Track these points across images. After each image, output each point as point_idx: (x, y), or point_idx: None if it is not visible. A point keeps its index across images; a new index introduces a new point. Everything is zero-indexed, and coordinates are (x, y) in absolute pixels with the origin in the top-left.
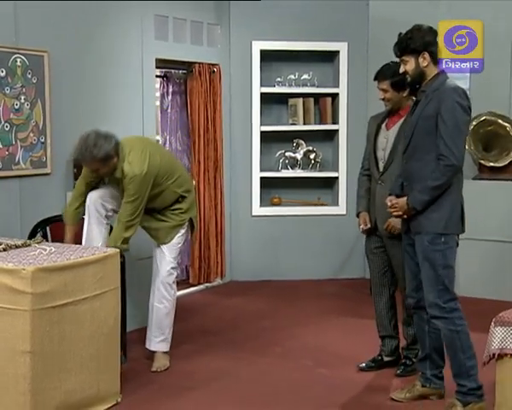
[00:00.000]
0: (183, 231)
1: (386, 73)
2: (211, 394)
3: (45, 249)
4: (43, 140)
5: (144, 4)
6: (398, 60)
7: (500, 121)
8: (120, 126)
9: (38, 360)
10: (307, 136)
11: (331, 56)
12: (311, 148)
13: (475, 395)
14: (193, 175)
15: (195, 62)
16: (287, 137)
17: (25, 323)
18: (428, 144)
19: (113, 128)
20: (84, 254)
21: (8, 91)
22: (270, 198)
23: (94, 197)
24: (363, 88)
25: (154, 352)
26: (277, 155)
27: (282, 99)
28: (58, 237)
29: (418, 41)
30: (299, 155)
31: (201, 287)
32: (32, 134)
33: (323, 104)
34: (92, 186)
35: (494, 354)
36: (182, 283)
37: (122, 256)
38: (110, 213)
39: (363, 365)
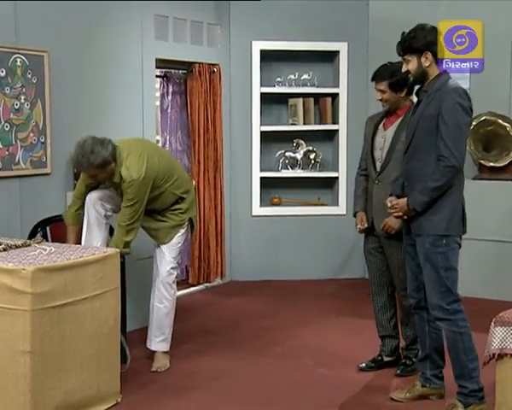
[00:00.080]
0: (182, 230)
1: (384, 74)
2: (211, 394)
3: (45, 249)
4: (43, 140)
5: (144, 4)
6: (395, 60)
7: (500, 121)
8: (120, 126)
9: (38, 360)
10: (307, 136)
11: (331, 56)
12: (311, 148)
13: (476, 397)
14: (193, 175)
15: (195, 62)
16: (287, 137)
17: (25, 323)
18: (429, 145)
19: (113, 128)
20: (84, 254)
21: (8, 91)
22: (270, 198)
23: (93, 198)
24: (363, 88)
25: (154, 352)
26: (277, 155)
27: (282, 99)
28: (58, 237)
29: (421, 40)
30: (299, 155)
31: (201, 287)
32: (32, 134)
33: (323, 104)
34: (92, 187)
35: (494, 354)
36: (181, 283)
37: (122, 256)
38: (109, 213)
39: (363, 365)
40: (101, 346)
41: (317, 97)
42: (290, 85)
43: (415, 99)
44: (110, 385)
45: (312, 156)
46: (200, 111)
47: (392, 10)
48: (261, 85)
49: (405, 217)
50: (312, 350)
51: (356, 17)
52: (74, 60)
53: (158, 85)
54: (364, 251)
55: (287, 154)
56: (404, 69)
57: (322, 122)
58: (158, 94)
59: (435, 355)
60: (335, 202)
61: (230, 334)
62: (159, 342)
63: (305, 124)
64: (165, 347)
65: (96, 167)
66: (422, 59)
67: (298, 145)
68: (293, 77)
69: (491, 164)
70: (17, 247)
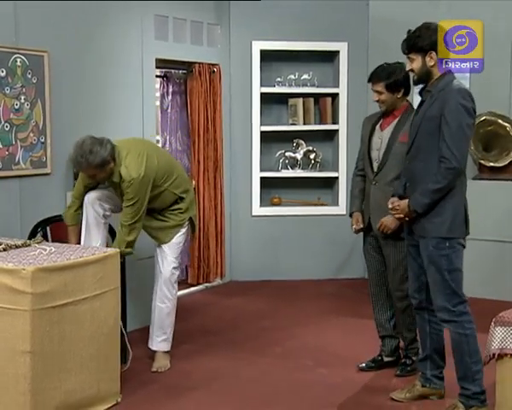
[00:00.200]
0: (183, 230)
1: (381, 75)
2: (211, 394)
3: (45, 249)
4: (43, 140)
5: (144, 4)
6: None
7: (500, 121)
8: (120, 126)
9: (38, 360)
10: (307, 136)
11: (331, 56)
12: (311, 148)
13: (478, 400)
14: (193, 175)
15: (195, 62)
16: (287, 137)
17: (25, 323)
18: (432, 145)
19: (113, 128)
20: (84, 254)
21: (8, 91)
22: (270, 198)
23: (91, 198)
24: (363, 88)
25: (154, 351)
26: (277, 155)
27: (282, 99)
28: (58, 237)
29: (426, 40)
30: (299, 155)
31: (201, 287)
32: (32, 134)
33: (323, 104)
34: (90, 188)
35: (494, 354)
36: (181, 283)
37: (122, 256)
38: (108, 213)
39: (363, 365)
40: (101, 346)
41: (317, 97)
42: (290, 85)
43: (415, 99)
44: (110, 385)
45: (312, 156)
46: (200, 111)
47: (392, 10)
48: (261, 85)
49: (407, 218)
50: (312, 350)
51: (356, 17)
52: (74, 60)
53: (158, 85)
54: (363, 251)
55: (287, 154)
56: (408, 68)
57: (322, 122)
58: (158, 94)
59: (436, 356)
60: (335, 202)
61: (230, 334)
62: (160, 341)
63: (305, 124)
64: (166, 346)
65: (95, 167)
66: (427, 58)
67: (298, 145)
68: (293, 77)
69: (491, 164)
70: (17, 247)
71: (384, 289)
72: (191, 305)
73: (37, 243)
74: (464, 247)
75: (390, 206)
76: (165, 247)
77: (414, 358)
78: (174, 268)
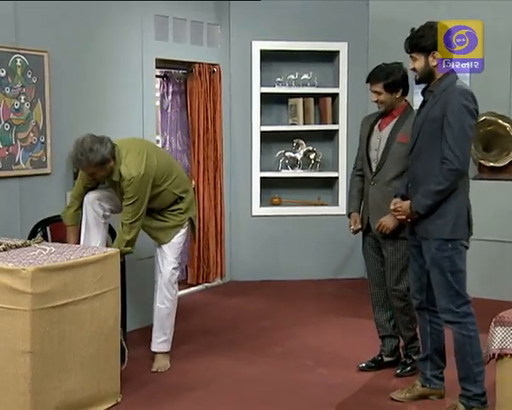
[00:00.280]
0: (183, 230)
1: (379, 75)
2: (211, 394)
3: (45, 249)
4: (43, 140)
5: (144, 4)
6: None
7: (500, 121)
8: (120, 126)
9: (38, 360)
10: (307, 136)
11: (331, 56)
12: (311, 148)
13: (479, 401)
14: (193, 175)
15: (195, 62)
16: (287, 137)
17: (25, 323)
18: (434, 146)
19: (113, 128)
20: (84, 254)
21: (8, 91)
22: (270, 198)
23: (91, 198)
24: (363, 88)
25: (155, 352)
26: (277, 155)
27: (282, 99)
28: (58, 237)
29: (429, 40)
30: (299, 155)
31: (201, 287)
32: (32, 134)
33: (323, 104)
34: (90, 188)
35: (494, 354)
36: (181, 283)
37: (122, 256)
38: (108, 213)
39: (363, 365)
40: (101, 346)
41: (317, 97)
42: (290, 85)
43: (415, 99)
44: (110, 385)
45: (312, 156)
46: (200, 111)
47: (392, 10)
48: (261, 85)
49: (409, 220)
50: (312, 350)
51: (356, 17)
52: (74, 60)
53: (158, 85)
54: (363, 251)
55: (287, 154)
56: (410, 67)
57: (322, 122)
58: (158, 94)
59: (436, 356)
60: (335, 202)
61: (230, 334)
62: (160, 343)
63: (305, 124)
64: (166, 347)
65: (95, 165)
66: (430, 58)
67: (298, 145)
68: (293, 77)
69: (491, 164)
70: (17, 247)
71: (384, 290)
72: (191, 305)
73: (37, 243)
74: (467, 248)
75: (392, 207)
76: (165, 247)
77: (414, 357)
78: (174, 268)
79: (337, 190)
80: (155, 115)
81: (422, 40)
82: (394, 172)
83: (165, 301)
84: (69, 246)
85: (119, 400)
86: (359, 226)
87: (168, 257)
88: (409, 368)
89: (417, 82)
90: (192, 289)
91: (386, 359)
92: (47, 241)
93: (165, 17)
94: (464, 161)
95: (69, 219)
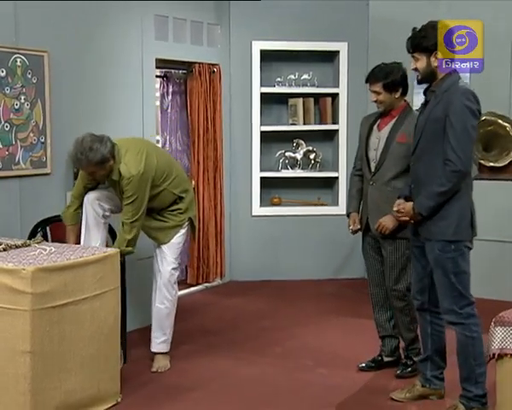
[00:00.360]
0: (183, 230)
1: (378, 75)
2: (211, 394)
3: (45, 249)
4: (43, 140)
5: (144, 4)
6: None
7: (500, 121)
8: (120, 126)
9: (38, 360)
10: (307, 136)
11: (331, 56)
12: (311, 148)
13: (480, 402)
14: (192, 175)
15: (195, 62)
16: (287, 137)
17: (25, 323)
18: (436, 147)
19: (113, 128)
20: (84, 254)
21: (8, 91)
22: (270, 198)
23: (91, 198)
24: (363, 88)
25: (154, 352)
26: (277, 155)
27: (282, 99)
28: (58, 237)
29: (432, 40)
30: (299, 155)
31: (201, 287)
32: (32, 134)
33: (323, 104)
34: (90, 188)
35: (494, 354)
36: (181, 283)
37: (122, 256)
38: (108, 213)
39: (363, 365)
40: (101, 346)
41: (317, 97)
42: (290, 85)
43: (414, 99)
44: (110, 385)
45: (312, 156)
46: (200, 111)
47: (392, 10)
48: (261, 85)
49: (412, 221)
50: (312, 350)
51: (356, 17)
52: (74, 60)
53: (158, 85)
54: (362, 251)
55: (287, 154)
56: (412, 67)
57: (322, 122)
58: (158, 94)
59: (436, 357)
60: (335, 202)
61: (230, 334)
62: (159, 343)
63: (305, 124)
64: (165, 348)
65: (95, 165)
66: (432, 58)
67: (298, 145)
68: (293, 77)
69: (491, 164)
70: (17, 247)
71: (384, 289)
72: (191, 305)
73: (37, 243)
74: (471, 249)
75: (395, 208)
76: (164, 247)
77: (415, 358)
78: (173, 269)
79: (337, 190)
80: (155, 115)
81: (425, 40)
82: (393, 172)
83: (164, 301)
84: (69, 246)
85: (119, 400)
86: (358, 226)
87: (168, 257)
88: (409, 369)
89: (419, 82)
90: (192, 289)
91: (386, 359)
92: (47, 241)
93: (165, 17)
94: (467, 162)
95: (69, 219)
